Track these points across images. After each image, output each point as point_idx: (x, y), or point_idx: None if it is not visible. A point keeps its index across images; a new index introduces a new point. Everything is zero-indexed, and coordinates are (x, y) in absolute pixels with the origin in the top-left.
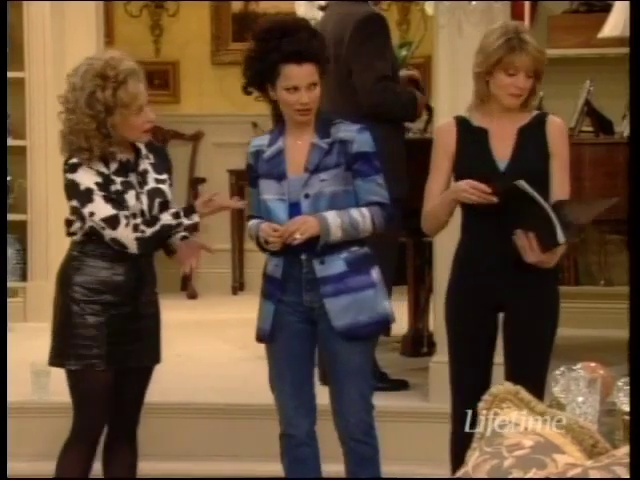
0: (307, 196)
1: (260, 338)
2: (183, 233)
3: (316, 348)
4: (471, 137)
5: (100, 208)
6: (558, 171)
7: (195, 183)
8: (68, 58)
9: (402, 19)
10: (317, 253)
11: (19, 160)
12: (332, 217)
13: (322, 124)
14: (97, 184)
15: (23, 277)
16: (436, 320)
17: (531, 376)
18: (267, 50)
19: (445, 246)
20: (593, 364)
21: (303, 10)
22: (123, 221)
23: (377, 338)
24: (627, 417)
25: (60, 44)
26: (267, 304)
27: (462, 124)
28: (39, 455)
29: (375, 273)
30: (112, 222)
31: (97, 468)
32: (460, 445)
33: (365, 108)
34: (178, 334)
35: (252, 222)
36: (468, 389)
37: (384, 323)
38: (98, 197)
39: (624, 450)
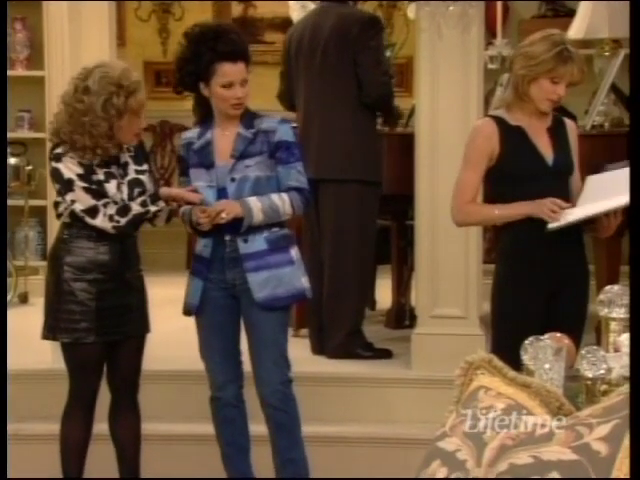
0: (233, 180)
1: (187, 312)
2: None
3: (240, 320)
4: (512, 135)
5: (80, 198)
6: (576, 164)
7: None
8: (84, 58)
9: (386, 23)
10: (241, 233)
11: (39, 151)
12: (254, 201)
13: (247, 117)
14: (78, 175)
15: (43, 257)
16: (417, 296)
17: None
18: (201, 51)
19: (426, 228)
20: (559, 334)
21: (297, 14)
22: (101, 211)
23: (290, 311)
24: (589, 382)
25: (77, 46)
26: (195, 281)
27: (501, 123)
28: (59, 417)
29: (294, 252)
30: (91, 212)
31: (104, 429)
32: None
33: (371, 99)
34: None
35: (184, 208)
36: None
37: (300, 297)
38: (78, 188)
39: (586, 412)
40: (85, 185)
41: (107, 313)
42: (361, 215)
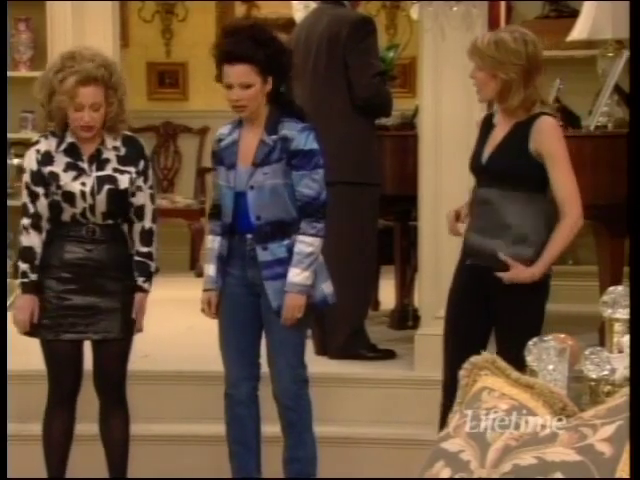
0: (252, 188)
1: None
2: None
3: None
4: (483, 130)
5: (24, 194)
6: (551, 171)
7: (202, 173)
8: None
9: (390, 23)
10: (262, 239)
11: None
12: (293, 275)
13: (272, 121)
14: (30, 170)
15: None
16: (420, 296)
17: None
18: (216, 51)
19: (429, 229)
20: (562, 335)
21: (300, 14)
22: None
23: (309, 315)
24: (593, 383)
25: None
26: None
27: (487, 119)
28: None
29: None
30: (24, 210)
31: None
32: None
33: (359, 101)
34: (188, 309)
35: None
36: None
37: (319, 304)
38: (24, 184)
39: (590, 413)
40: (30, 190)
41: (70, 312)
42: (355, 217)
